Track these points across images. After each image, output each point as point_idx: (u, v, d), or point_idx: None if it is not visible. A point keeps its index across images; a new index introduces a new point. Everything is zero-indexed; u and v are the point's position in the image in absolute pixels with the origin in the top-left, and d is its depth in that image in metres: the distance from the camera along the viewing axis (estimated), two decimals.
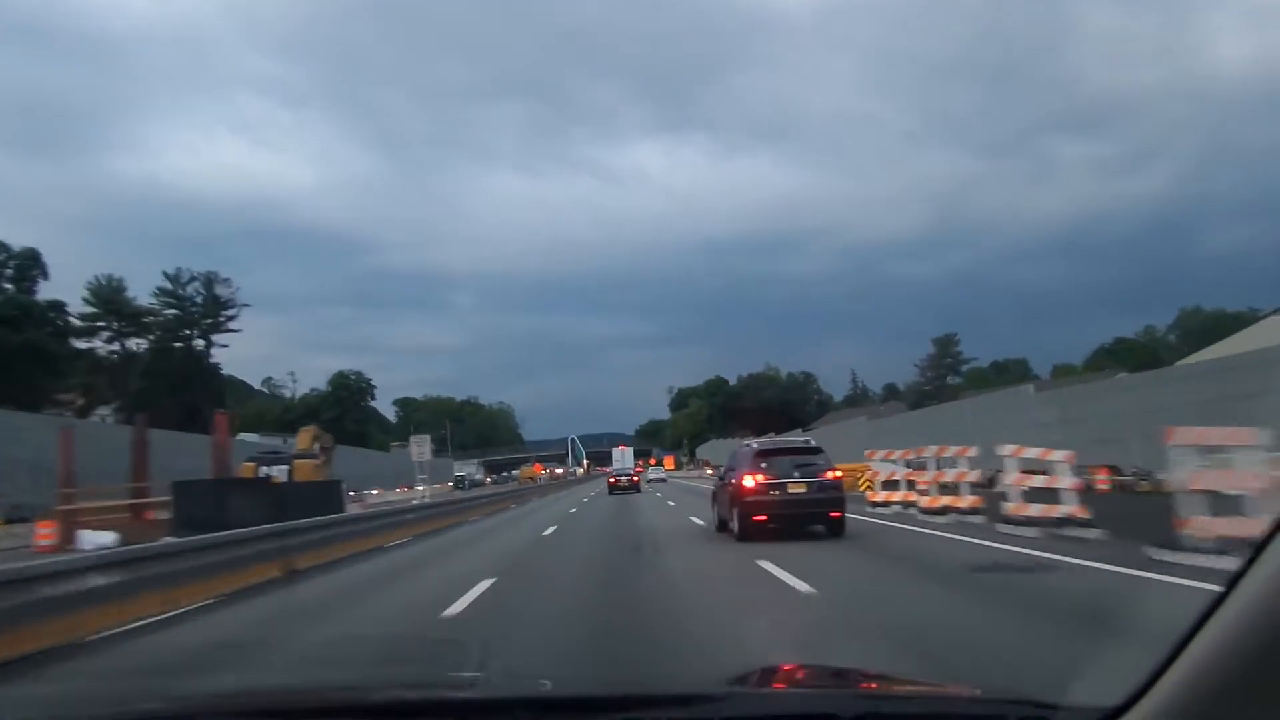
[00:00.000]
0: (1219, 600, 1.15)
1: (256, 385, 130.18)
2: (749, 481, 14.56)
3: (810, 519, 14.72)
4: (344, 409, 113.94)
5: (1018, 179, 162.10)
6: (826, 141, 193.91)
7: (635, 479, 49.77)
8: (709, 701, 1.82)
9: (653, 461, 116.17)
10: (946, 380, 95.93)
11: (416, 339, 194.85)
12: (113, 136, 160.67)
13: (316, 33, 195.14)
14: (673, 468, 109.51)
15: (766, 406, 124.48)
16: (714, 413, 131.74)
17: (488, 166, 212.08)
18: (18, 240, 60.05)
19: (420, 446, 38.66)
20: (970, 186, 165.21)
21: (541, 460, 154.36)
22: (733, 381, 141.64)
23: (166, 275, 79.44)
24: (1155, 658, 1.23)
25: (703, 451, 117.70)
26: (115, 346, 73.00)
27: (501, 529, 21.16)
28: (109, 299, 70.60)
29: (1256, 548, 1.13)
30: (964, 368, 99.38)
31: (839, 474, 15.22)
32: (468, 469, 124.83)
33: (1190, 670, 1.15)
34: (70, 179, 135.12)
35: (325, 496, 24.29)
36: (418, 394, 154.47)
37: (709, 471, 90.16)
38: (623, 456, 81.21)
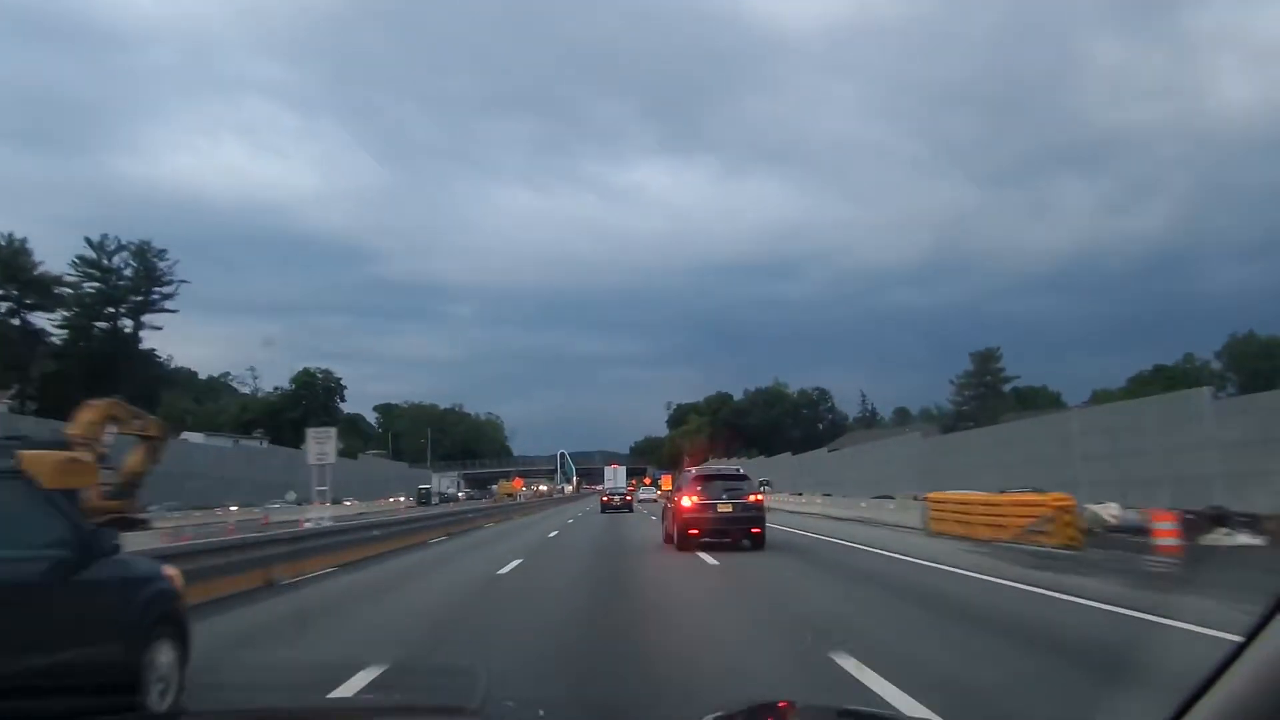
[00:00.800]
0: (1240, 648, 1.15)
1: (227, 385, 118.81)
2: (686, 501, 17.69)
3: (736, 534, 17.29)
4: (308, 409, 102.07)
5: (1021, 210, 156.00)
6: (831, 167, 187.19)
7: (629, 498, 50.95)
8: None
9: (646, 481, 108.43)
10: (986, 401, 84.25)
11: (411, 350, 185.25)
12: (115, 136, 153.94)
13: (326, 39, 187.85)
14: (671, 488, 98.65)
15: (775, 424, 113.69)
16: (716, 430, 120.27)
17: (492, 180, 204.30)
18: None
19: (320, 444, 27.06)
20: (974, 216, 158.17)
21: (528, 475, 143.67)
22: (738, 397, 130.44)
23: (89, 242, 67.97)
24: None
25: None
26: (16, 322, 61.41)
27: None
28: (7, 262, 59.11)
29: (1279, 598, 1.14)
30: (1006, 387, 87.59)
31: (760, 497, 18.08)
32: (445, 481, 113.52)
33: (1208, 716, 1.15)
34: (70, 177, 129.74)
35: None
36: (406, 402, 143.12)
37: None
38: (615, 475, 78.68)
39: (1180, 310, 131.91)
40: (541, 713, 2.75)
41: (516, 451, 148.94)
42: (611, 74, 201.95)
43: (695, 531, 16.89)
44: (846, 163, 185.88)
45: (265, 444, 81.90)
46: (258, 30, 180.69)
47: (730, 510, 17.11)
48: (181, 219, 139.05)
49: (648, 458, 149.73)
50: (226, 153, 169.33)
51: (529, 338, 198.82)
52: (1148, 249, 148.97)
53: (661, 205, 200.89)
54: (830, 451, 67.07)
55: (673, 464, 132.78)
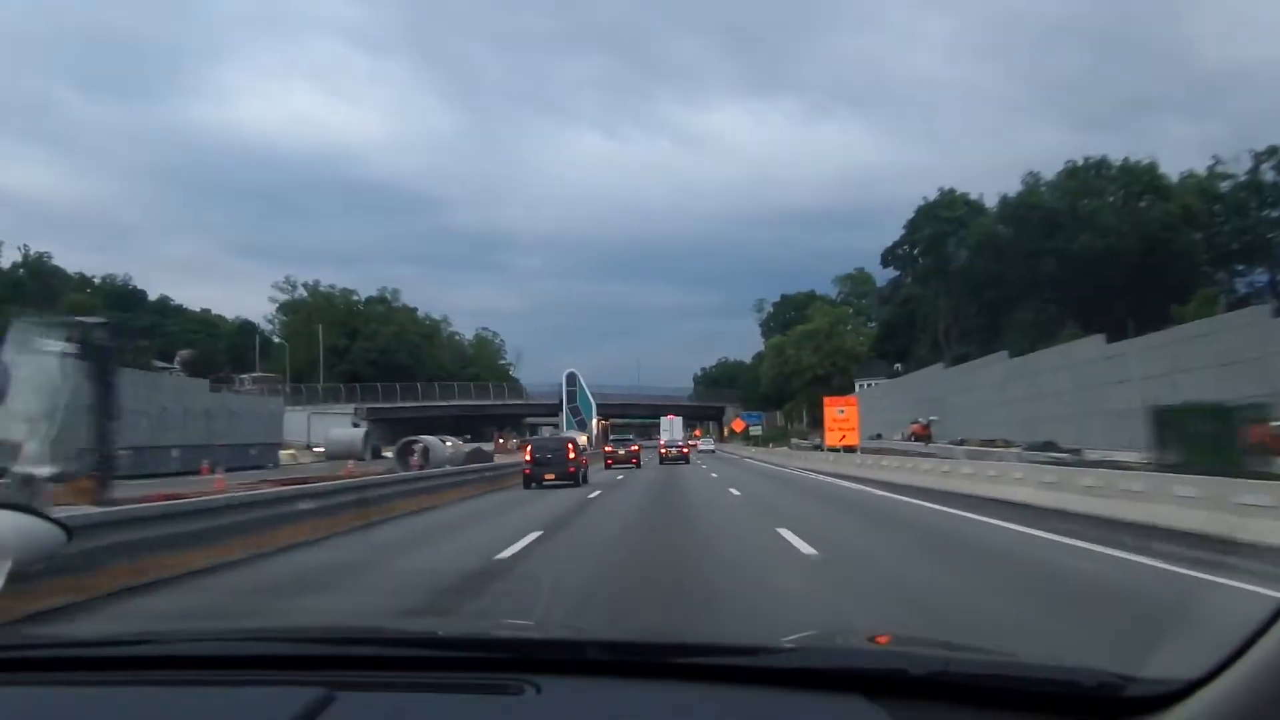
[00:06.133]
0: None
1: None
2: (607, 449, 44.05)
3: (628, 461, 38.82)
4: None
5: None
6: (917, 110, 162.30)
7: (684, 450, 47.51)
8: (776, 652, 1.75)
9: (698, 433, 78.88)
10: None
11: (473, 301, 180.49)
12: (187, 81, 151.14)
13: None
14: (825, 444, 42.25)
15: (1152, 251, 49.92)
16: (897, 317, 58.53)
17: (566, 125, 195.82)
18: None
19: None
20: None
21: (532, 416, 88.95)
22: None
23: None
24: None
25: (875, 400, 46.78)
26: None
27: None
28: None
29: None
30: None
31: (637, 447, 42.38)
32: (340, 426, 58.59)
33: (1268, 654, 1.17)
34: (142, 124, 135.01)
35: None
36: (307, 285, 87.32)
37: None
38: (671, 427, 62.66)
39: None
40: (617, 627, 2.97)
41: (532, 387, 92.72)
42: (690, 8, 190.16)
43: (610, 461, 38.67)
44: (936, 105, 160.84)
45: None
46: None
47: (623, 451, 40.12)
48: (252, 165, 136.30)
49: (725, 391, 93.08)
50: (297, 98, 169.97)
51: (590, 289, 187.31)
52: None
53: (738, 150, 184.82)
54: None
55: (780, 396, 75.45)
